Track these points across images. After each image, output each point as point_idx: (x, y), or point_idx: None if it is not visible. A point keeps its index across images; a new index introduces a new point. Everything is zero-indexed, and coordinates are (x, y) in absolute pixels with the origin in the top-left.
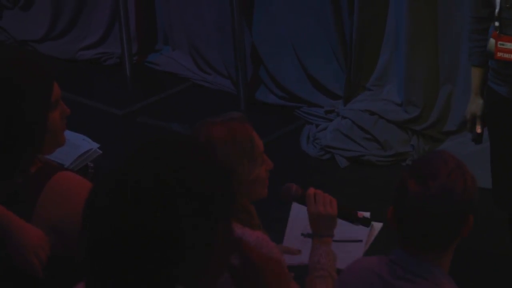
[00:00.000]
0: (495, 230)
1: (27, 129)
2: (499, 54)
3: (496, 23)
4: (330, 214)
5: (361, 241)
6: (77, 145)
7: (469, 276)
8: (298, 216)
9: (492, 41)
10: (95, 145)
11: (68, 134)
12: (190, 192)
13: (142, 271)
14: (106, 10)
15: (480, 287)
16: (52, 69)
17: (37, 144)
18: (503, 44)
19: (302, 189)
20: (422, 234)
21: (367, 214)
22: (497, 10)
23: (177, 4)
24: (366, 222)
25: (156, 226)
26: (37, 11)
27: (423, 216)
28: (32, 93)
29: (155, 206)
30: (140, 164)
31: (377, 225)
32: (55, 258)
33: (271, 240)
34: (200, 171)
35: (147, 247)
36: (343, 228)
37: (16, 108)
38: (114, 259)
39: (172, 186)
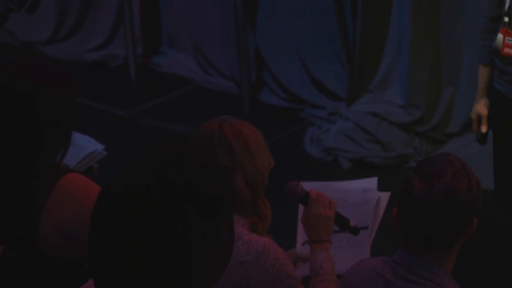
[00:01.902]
0: (498, 231)
1: (49, 134)
2: (506, 50)
3: (506, 19)
4: (330, 215)
5: (367, 227)
6: (82, 146)
7: (472, 276)
8: None
9: (500, 36)
10: (100, 147)
11: (73, 135)
12: (198, 194)
13: (151, 274)
14: (111, 12)
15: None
16: (70, 77)
17: (55, 147)
18: (510, 40)
19: (305, 190)
20: (426, 234)
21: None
22: (507, 6)
23: (181, 7)
24: (354, 231)
25: (164, 231)
26: (42, 13)
27: (427, 214)
28: (54, 101)
29: (164, 210)
30: (146, 168)
31: (385, 195)
32: (63, 260)
33: (279, 245)
34: (205, 172)
35: (156, 251)
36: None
37: (48, 115)
38: (123, 264)
39: (179, 189)
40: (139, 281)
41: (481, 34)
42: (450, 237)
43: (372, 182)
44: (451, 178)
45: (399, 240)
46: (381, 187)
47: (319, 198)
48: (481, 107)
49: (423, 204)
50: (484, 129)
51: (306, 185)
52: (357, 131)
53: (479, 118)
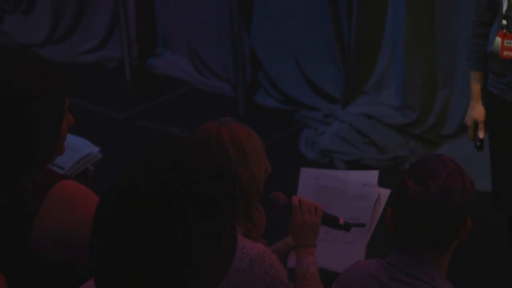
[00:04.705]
0: (493, 232)
1: (41, 138)
2: (505, 53)
3: (504, 22)
4: (315, 222)
5: (364, 225)
6: (78, 148)
7: (466, 277)
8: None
9: (498, 40)
10: (95, 149)
11: (69, 137)
12: (198, 197)
13: (151, 276)
14: (107, 14)
15: None
16: (64, 79)
17: (48, 152)
18: (509, 43)
19: (287, 198)
20: (420, 235)
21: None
22: (504, 8)
23: (177, 8)
24: (345, 228)
25: (165, 232)
26: (37, 15)
27: (421, 215)
28: (46, 102)
29: (164, 214)
30: (147, 170)
31: (385, 192)
32: (56, 266)
33: (271, 250)
34: (206, 175)
35: (156, 252)
36: (349, 214)
37: (29, 117)
38: (124, 268)
39: (180, 192)
40: (140, 282)
41: (471, 40)
42: (444, 238)
43: (373, 175)
44: (445, 179)
45: (393, 241)
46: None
47: (302, 206)
48: (477, 113)
49: (418, 205)
50: (481, 134)
51: (308, 172)
52: (353, 133)
53: (476, 124)
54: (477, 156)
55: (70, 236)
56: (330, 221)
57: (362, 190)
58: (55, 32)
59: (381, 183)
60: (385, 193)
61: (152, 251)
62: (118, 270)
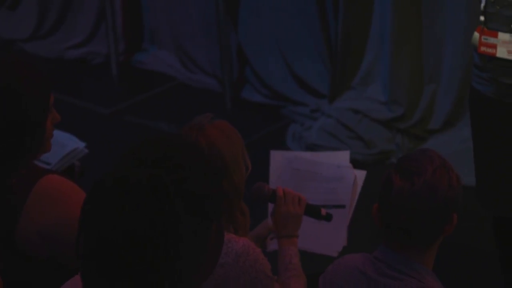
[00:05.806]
0: (479, 227)
1: (27, 133)
2: (482, 49)
3: (481, 18)
4: (298, 212)
5: (344, 206)
6: (64, 144)
7: (452, 272)
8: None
9: (476, 35)
10: (81, 144)
11: (55, 133)
12: (187, 192)
13: (139, 273)
14: (93, 9)
15: (464, 283)
16: (49, 75)
17: (35, 148)
18: (486, 39)
19: (271, 188)
20: (406, 230)
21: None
22: (483, 5)
23: (163, 4)
24: (328, 218)
25: (154, 228)
26: (23, 10)
27: (407, 211)
28: (32, 98)
29: (153, 208)
30: (136, 166)
31: (361, 174)
32: (42, 262)
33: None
34: (195, 171)
35: (144, 249)
36: (326, 196)
37: (16, 114)
38: (111, 262)
39: (169, 187)
40: (128, 277)
41: None
42: (430, 234)
43: (345, 155)
44: (431, 176)
45: (380, 236)
46: (363, 183)
47: (287, 196)
48: None
49: (403, 202)
50: None
51: (278, 155)
52: (339, 127)
53: None
54: (463, 151)
55: (56, 230)
56: (313, 211)
57: (336, 172)
58: (41, 27)
59: (368, 178)
60: (361, 174)
61: (140, 245)
62: (105, 264)
